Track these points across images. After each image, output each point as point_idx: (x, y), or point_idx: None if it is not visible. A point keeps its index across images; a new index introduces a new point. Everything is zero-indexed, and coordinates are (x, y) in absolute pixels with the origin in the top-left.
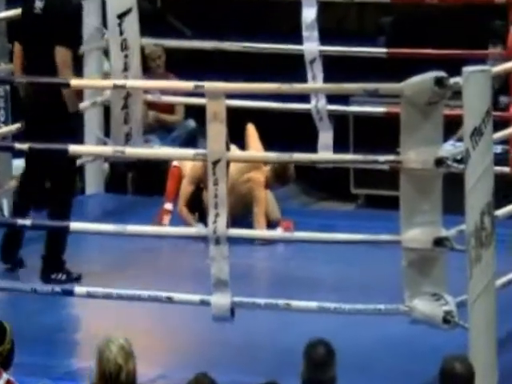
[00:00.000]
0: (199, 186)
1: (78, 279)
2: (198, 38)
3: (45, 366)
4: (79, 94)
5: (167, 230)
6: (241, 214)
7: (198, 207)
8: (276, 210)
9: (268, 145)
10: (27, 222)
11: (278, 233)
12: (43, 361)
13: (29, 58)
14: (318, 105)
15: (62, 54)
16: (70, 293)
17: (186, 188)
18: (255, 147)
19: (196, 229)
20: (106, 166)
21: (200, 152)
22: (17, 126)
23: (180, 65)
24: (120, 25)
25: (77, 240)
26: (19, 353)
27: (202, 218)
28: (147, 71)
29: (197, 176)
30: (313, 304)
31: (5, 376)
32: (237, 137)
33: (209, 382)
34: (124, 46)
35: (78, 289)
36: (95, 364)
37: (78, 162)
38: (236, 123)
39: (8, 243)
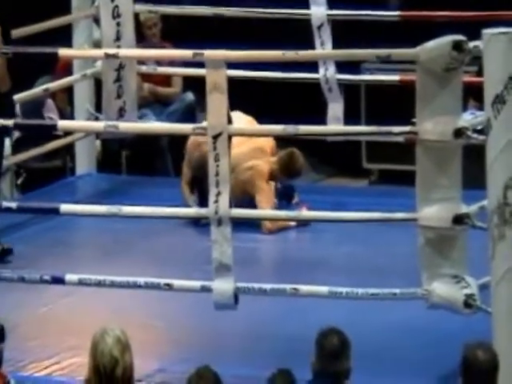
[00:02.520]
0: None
1: (10, 252)
2: (197, 3)
3: (37, 361)
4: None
5: (165, 210)
6: (237, 201)
7: (198, 187)
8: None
9: (273, 118)
10: (12, 204)
11: (284, 212)
12: (34, 355)
13: None
14: (327, 74)
15: None
16: (61, 281)
17: (185, 173)
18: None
19: (196, 209)
20: (98, 143)
21: (199, 126)
22: None
23: (177, 33)
24: None
25: (68, 223)
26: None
27: (202, 199)
28: (142, 40)
29: (194, 159)
30: (323, 289)
31: None
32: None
33: (212, 375)
34: (116, 14)
35: (69, 276)
36: (89, 357)
37: (69, 139)
38: (238, 94)
39: None
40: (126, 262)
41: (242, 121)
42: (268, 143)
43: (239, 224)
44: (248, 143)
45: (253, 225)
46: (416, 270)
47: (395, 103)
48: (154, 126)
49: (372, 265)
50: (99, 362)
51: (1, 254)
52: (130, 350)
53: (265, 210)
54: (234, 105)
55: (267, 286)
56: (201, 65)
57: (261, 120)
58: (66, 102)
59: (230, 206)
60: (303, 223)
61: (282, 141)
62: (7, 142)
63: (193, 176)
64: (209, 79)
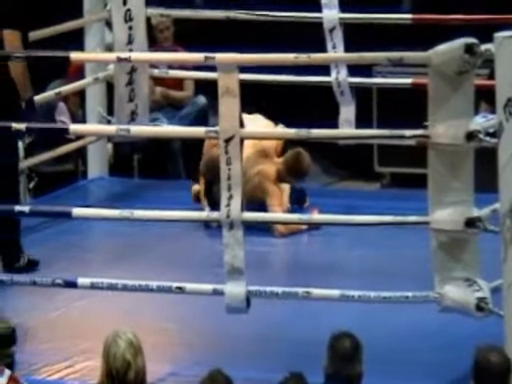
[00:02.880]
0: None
1: (36, 265)
2: (209, 7)
3: (49, 364)
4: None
5: (177, 214)
6: (248, 208)
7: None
8: (285, 203)
9: (285, 121)
10: (25, 208)
11: (296, 216)
12: (47, 359)
13: None
14: (339, 77)
15: (10, 39)
16: (73, 285)
17: (202, 179)
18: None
19: (207, 213)
20: (110, 146)
21: (211, 129)
22: None
23: (189, 37)
24: None
25: (80, 227)
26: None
27: (212, 202)
28: (154, 44)
29: (208, 162)
30: (335, 292)
31: (7, 371)
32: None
33: (224, 379)
34: (128, 17)
35: (81, 280)
36: (102, 360)
37: (81, 142)
38: (250, 98)
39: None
40: (138, 266)
41: (260, 123)
42: (272, 144)
43: (251, 228)
44: (251, 145)
45: (264, 229)
46: (428, 274)
47: (407, 106)
48: (166, 129)
49: (384, 268)
50: (112, 365)
51: (27, 265)
52: (143, 354)
53: (277, 213)
54: (246, 107)
55: (279, 290)
56: (213, 68)
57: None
58: (77, 105)
59: (242, 210)
60: (315, 227)
61: (293, 144)
62: (20, 145)
63: (206, 180)
64: (221, 83)
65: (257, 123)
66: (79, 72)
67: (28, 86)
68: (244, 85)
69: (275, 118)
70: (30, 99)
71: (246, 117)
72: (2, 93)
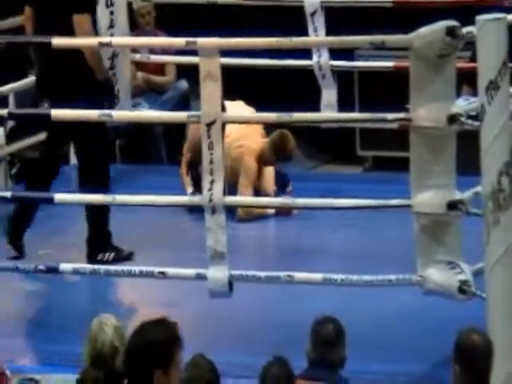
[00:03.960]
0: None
1: (129, 257)
2: None
3: (30, 350)
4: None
5: (159, 199)
6: (228, 181)
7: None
8: (271, 185)
9: (267, 105)
10: (7, 193)
11: (278, 200)
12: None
13: (41, 26)
14: (321, 60)
15: (81, 23)
16: (55, 270)
17: (186, 155)
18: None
19: (189, 197)
20: None
21: (193, 114)
22: None
23: (170, 22)
24: None
25: (62, 212)
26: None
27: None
28: (135, 29)
29: (194, 142)
30: (317, 276)
31: None
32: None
33: (207, 364)
34: (109, 2)
35: (64, 266)
36: (87, 347)
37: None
38: (231, 82)
39: (17, 226)
40: None
41: (242, 110)
42: (257, 130)
43: None
44: (236, 130)
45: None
46: (411, 257)
47: (389, 90)
48: (148, 114)
49: (367, 251)
50: (100, 352)
51: (114, 259)
52: (126, 337)
53: (244, 193)
54: (227, 92)
55: (262, 274)
56: (194, 53)
57: (255, 107)
58: None
59: (224, 194)
60: (285, 213)
61: (275, 128)
62: (1, 131)
63: (191, 159)
64: (202, 67)
65: (239, 110)
66: None
67: (102, 67)
68: (225, 69)
69: (257, 102)
70: (107, 80)
71: (228, 103)
72: (79, 76)
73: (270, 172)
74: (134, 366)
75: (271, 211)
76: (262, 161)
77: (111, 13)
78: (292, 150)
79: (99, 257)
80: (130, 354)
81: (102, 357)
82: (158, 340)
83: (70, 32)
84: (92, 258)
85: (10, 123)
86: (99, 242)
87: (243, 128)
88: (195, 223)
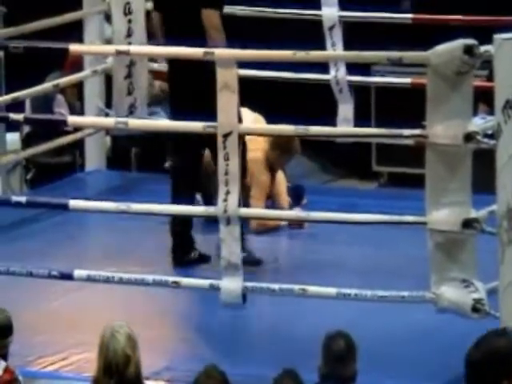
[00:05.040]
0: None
1: (208, 259)
2: None
3: (44, 356)
4: None
5: (174, 208)
6: None
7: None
8: (285, 198)
9: (284, 118)
10: (22, 198)
11: (294, 212)
12: (42, 350)
13: (172, 25)
14: (338, 75)
15: (210, 17)
16: (69, 277)
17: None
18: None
19: (204, 208)
20: (108, 139)
21: (210, 124)
22: (11, 96)
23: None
24: None
25: (77, 219)
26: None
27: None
28: (153, 38)
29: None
30: (331, 290)
31: (3, 363)
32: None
33: (219, 374)
34: (128, 10)
35: (78, 272)
36: (99, 355)
37: (79, 135)
38: (248, 94)
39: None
40: (135, 259)
41: (248, 117)
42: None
43: None
44: None
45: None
46: (425, 273)
47: (406, 106)
48: (164, 123)
49: (381, 267)
50: (112, 360)
51: (198, 259)
52: (138, 345)
53: (255, 206)
54: (243, 104)
55: (275, 286)
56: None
57: (271, 120)
58: (75, 97)
59: (239, 205)
60: (298, 225)
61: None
62: (17, 136)
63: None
64: (219, 78)
65: (245, 117)
66: (77, 64)
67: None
68: (242, 80)
69: (274, 115)
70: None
71: None
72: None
73: (283, 184)
74: (479, 377)
75: (283, 223)
76: (270, 166)
77: (129, 21)
78: (296, 147)
79: (186, 257)
80: (473, 365)
81: (113, 365)
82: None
83: (200, 28)
84: (178, 262)
85: (26, 128)
86: (184, 247)
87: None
88: (209, 233)
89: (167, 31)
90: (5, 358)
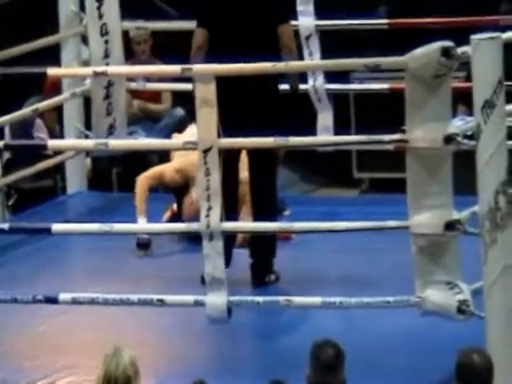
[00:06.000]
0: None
1: (278, 278)
2: (184, 18)
3: (32, 381)
4: None
5: (156, 227)
6: None
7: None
8: None
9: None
10: (4, 225)
11: (276, 224)
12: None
13: (231, 42)
14: (316, 84)
15: (289, 32)
16: (54, 300)
17: (165, 172)
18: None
19: (187, 225)
20: (88, 161)
21: (190, 140)
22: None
23: (166, 49)
24: (99, 8)
25: (60, 242)
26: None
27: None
28: (131, 57)
29: (185, 172)
30: (316, 299)
31: None
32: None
33: None
34: (104, 31)
35: (63, 296)
36: (101, 369)
37: (59, 158)
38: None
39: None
40: (119, 280)
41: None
42: None
43: None
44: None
45: None
46: (409, 278)
47: (385, 112)
48: (145, 142)
49: (365, 274)
50: (112, 373)
51: (275, 281)
52: (140, 377)
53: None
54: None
55: (260, 299)
56: (190, 80)
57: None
58: (55, 121)
59: (221, 220)
60: (285, 237)
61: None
62: None
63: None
64: (198, 94)
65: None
66: (55, 88)
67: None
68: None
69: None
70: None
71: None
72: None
73: None
74: None
75: None
76: None
77: (106, 42)
78: (280, 156)
79: (266, 279)
80: None
81: (112, 378)
82: None
83: (274, 44)
84: (259, 281)
85: (7, 154)
86: (267, 267)
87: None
88: (192, 251)
89: (219, 48)
90: None
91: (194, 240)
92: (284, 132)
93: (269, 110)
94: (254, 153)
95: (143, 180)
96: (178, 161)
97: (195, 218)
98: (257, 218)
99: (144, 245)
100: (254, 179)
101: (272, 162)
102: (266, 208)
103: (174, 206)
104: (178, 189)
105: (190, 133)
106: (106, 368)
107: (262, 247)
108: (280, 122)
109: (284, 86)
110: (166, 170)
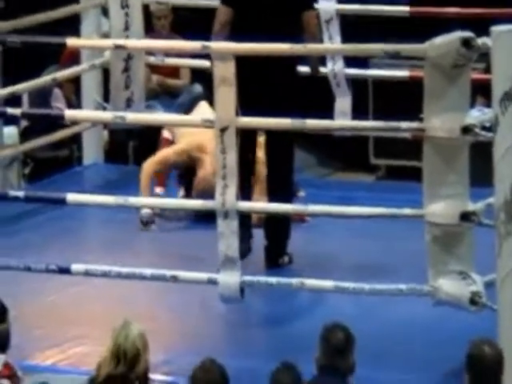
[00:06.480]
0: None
1: (291, 261)
2: None
3: (42, 349)
4: None
5: (171, 201)
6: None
7: (186, 183)
8: None
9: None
10: (20, 193)
11: (290, 206)
12: (40, 344)
13: (254, 24)
14: (335, 68)
15: (313, 18)
16: (67, 271)
17: (169, 156)
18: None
19: (202, 201)
20: (106, 133)
21: (207, 118)
22: (8, 90)
23: (186, 25)
24: None
25: (75, 213)
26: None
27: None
28: (150, 32)
29: (190, 153)
30: (329, 283)
31: (2, 358)
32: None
33: (217, 367)
34: (124, 4)
35: (75, 266)
36: (110, 341)
37: (76, 129)
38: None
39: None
40: (133, 253)
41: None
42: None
43: None
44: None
45: None
46: (422, 266)
47: (403, 99)
48: (162, 116)
49: (378, 261)
50: (121, 345)
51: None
52: (149, 351)
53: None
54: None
55: (273, 280)
56: (209, 57)
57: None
58: (73, 91)
59: (237, 199)
60: (300, 219)
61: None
62: (15, 130)
63: (184, 170)
64: (217, 72)
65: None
66: (73, 58)
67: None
68: None
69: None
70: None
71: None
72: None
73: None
74: None
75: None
76: None
77: (126, 14)
78: None
79: (280, 261)
80: None
81: (121, 350)
82: None
83: (297, 30)
84: (273, 263)
85: (24, 122)
86: (281, 248)
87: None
88: (206, 227)
89: (243, 29)
90: (2, 348)
91: (202, 218)
92: (301, 115)
93: (287, 92)
94: (272, 134)
95: (148, 166)
96: (183, 142)
97: (205, 194)
98: (272, 198)
99: (147, 222)
100: (271, 160)
101: (290, 144)
102: (282, 189)
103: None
104: (185, 169)
105: (200, 112)
106: (116, 340)
107: (277, 229)
108: (298, 104)
109: (304, 69)
110: (170, 153)
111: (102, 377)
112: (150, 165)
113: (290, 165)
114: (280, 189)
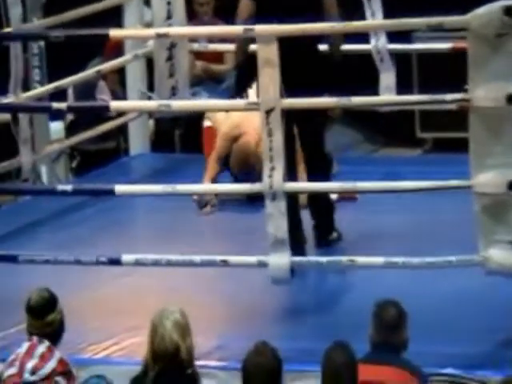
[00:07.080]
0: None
1: (340, 238)
2: None
3: (96, 342)
4: None
5: (219, 187)
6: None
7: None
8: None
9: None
10: (67, 187)
11: (338, 184)
12: (93, 337)
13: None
14: (378, 44)
15: (334, 2)
16: (117, 262)
17: (220, 145)
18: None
19: (250, 185)
20: (151, 123)
21: (252, 101)
22: (53, 84)
23: (228, 10)
24: None
25: (123, 203)
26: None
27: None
28: (193, 18)
29: (232, 134)
30: (379, 259)
31: (57, 354)
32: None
33: (270, 351)
34: None
35: (126, 257)
36: (148, 340)
37: (122, 120)
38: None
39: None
40: (182, 240)
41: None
42: None
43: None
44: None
45: None
46: (470, 238)
47: (447, 71)
48: (207, 102)
49: (428, 233)
50: (158, 346)
51: (338, 239)
52: (190, 332)
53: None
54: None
55: (323, 259)
56: (253, 39)
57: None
58: (117, 82)
59: (284, 180)
60: (349, 197)
61: None
62: (61, 125)
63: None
64: (260, 54)
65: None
66: (117, 50)
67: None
68: None
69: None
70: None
71: None
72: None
73: None
74: None
75: (334, 196)
76: None
77: (168, 3)
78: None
79: (329, 237)
80: None
81: (160, 351)
82: None
83: (319, 13)
84: (323, 240)
85: (70, 116)
86: (329, 225)
87: None
88: (255, 211)
89: (264, 12)
90: (53, 338)
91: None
92: (344, 92)
93: (318, 72)
94: (302, 112)
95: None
96: (223, 127)
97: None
98: (310, 177)
99: (204, 204)
100: (302, 139)
101: (320, 121)
102: (318, 166)
103: None
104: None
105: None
106: (152, 341)
107: (322, 207)
108: (339, 82)
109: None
110: (219, 143)
111: (150, 377)
112: (212, 162)
113: (320, 140)
114: (315, 166)
